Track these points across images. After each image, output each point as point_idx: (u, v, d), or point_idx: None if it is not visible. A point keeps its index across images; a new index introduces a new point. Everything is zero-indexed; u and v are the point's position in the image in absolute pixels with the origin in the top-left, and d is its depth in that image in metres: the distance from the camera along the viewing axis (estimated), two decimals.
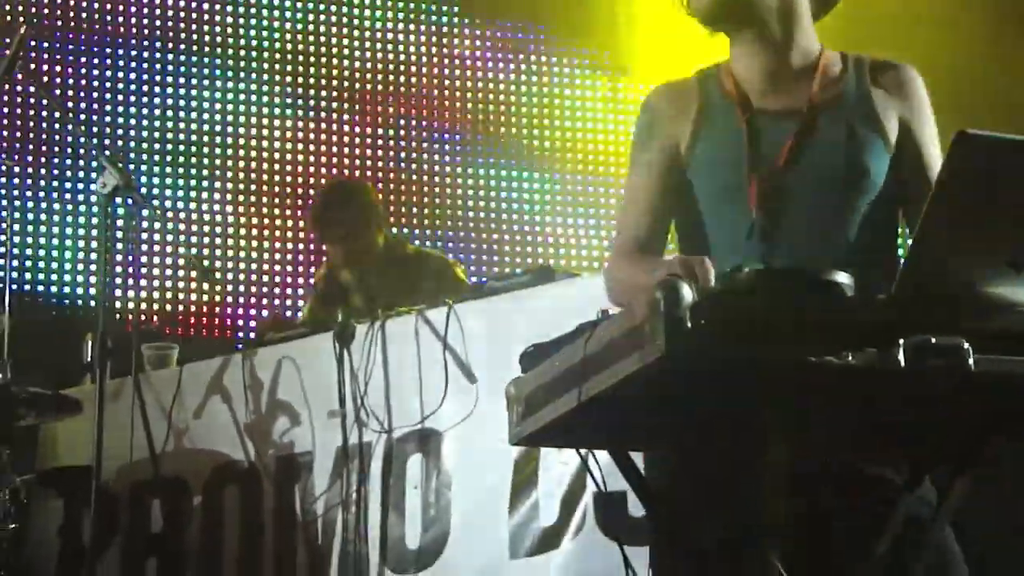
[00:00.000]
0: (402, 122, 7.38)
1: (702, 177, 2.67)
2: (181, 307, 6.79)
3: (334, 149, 7.31)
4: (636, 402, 2.08)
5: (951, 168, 1.87)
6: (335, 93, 7.35)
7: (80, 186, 6.75)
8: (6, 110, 6.76)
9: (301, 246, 7.12)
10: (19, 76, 4.55)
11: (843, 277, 1.95)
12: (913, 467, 2.32)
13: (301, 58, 7.33)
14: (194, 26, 7.17)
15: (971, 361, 1.90)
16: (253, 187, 7.13)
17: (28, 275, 6.76)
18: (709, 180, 2.66)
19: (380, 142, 7.37)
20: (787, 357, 1.89)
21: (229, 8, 7.25)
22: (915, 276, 1.91)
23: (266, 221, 7.12)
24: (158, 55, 7.09)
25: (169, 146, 7.03)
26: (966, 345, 1.90)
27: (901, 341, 1.89)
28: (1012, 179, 1.90)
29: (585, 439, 2.35)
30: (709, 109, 2.70)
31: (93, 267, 6.27)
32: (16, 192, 6.83)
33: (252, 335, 5.66)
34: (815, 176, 2.60)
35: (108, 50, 6.98)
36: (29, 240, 6.80)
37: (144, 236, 6.64)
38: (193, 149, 7.08)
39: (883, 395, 2.02)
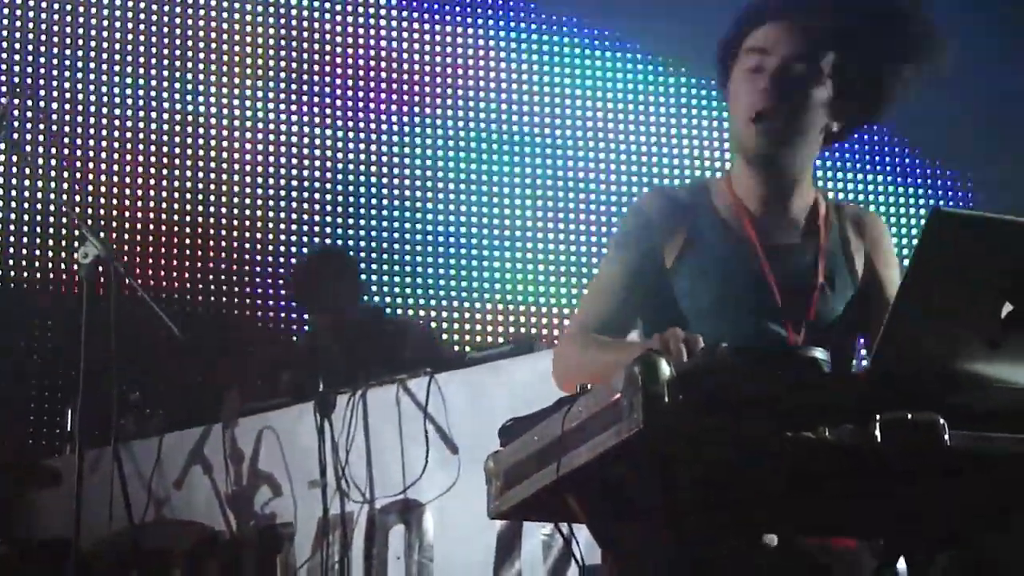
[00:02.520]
0: (383, 189, 7.39)
1: (693, 289, 2.72)
2: (161, 377, 6.76)
3: (316, 218, 7.32)
4: (615, 477, 2.08)
5: (926, 244, 1.88)
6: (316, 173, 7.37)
7: (63, 255, 6.75)
8: None
9: (283, 315, 7.11)
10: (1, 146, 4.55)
11: (820, 353, 1.96)
12: (888, 544, 2.32)
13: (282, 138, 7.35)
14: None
15: (947, 437, 1.91)
16: (235, 267, 7.12)
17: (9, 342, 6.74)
18: (701, 295, 2.71)
19: (363, 210, 7.38)
20: (764, 432, 1.90)
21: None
22: (891, 352, 1.92)
23: (247, 290, 7.11)
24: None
25: (151, 214, 7.04)
26: (942, 421, 1.91)
27: (877, 417, 1.90)
28: (986, 256, 1.92)
29: (564, 513, 2.35)
30: (703, 227, 2.76)
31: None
32: None
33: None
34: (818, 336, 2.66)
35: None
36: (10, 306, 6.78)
37: (126, 307, 6.62)
38: (166, 217, 7.07)
39: (859, 470, 2.02)
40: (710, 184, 2.85)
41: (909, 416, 1.90)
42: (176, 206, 7.07)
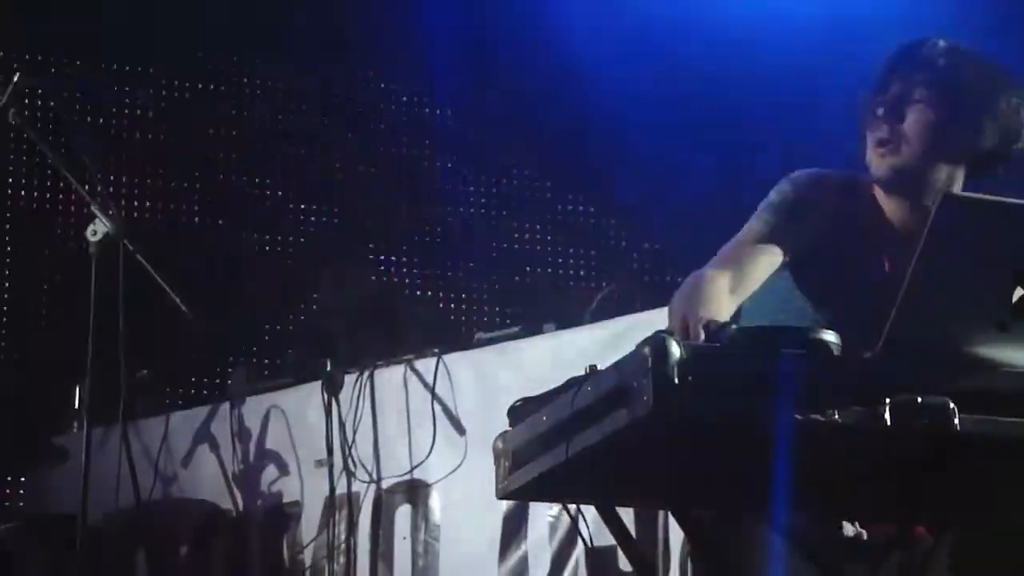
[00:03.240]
0: (392, 167, 7.38)
1: (816, 283, 2.73)
2: (170, 354, 6.77)
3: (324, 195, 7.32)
4: (623, 457, 2.08)
5: (936, 228, 1.88)
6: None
7: (72, 232, 6.75)
8: None
9: (291, 294, 7.10)
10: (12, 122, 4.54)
11: (830, 336, 1.96)
12: (899, 526, 2.32)
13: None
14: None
15: (956, 421, 1.91)
16: (243, 233, 7.12)
17: (17, 319, 6.75)
18: (821, 293, 2.73)
19: (373, 181, 7.37)
20: (773, 415, 1.90)
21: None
22: (901, 335, 1.92)
23: (256, 270, 7.10)
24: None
25: (161, 182, 7.04)
26: (952, 405, 1.91)
27: (887, 400, 1.90)
28: (996, 239, 1.92)
29: (572, 494, 2.35)
30: (847, 227, 2.77)
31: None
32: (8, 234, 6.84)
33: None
34: None
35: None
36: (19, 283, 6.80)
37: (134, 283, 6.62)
38: (184, 193, 7.08)
39: (869, 453, 2.02)
40: (863, 180, 2.84)
41: (919, 399, 1.90)
42: (186, 183, 7.08)
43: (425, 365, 4.64)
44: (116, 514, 5.03)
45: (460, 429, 4.49)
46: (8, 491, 6.26)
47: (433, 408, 4.55)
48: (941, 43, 2.79)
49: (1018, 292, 1.92)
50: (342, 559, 4.63)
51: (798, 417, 1.89)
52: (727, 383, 1.90)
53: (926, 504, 2.28)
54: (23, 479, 5.49)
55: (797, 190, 2.79)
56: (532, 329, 4.61)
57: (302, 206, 7.24)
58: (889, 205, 2.80)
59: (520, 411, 2.32)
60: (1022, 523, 2.23)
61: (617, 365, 2.00)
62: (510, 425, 2.33)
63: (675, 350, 1.91)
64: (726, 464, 2.10)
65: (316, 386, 4.79)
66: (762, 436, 1.97)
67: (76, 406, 5.52)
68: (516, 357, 4.45)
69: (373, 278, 5.75)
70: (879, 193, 2.81)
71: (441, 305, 6.98)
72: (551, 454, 2.16)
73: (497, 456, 2.32)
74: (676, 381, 1.89)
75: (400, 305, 5.74)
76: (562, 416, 2.13)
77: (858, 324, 2.45)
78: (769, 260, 2.70)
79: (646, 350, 1.91)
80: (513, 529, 4.32)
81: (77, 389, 5.52)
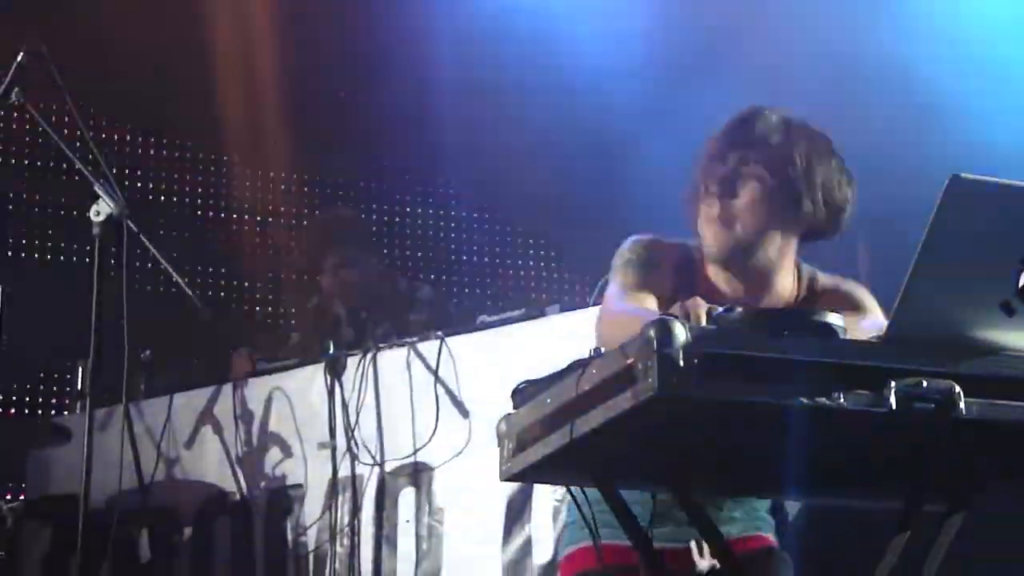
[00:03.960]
0: (395, 150, 7.38)
1: None
2: (173, 335, 6.77)
3: (329, 181, 7.32)
4: (627, 440, 2.08)
5: (943, 211, 1.88)
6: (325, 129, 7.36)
7: (75, 213, 6.75)
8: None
9: (294, 276, 7.11)
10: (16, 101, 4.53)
11: (835, 319, 1.95)
12: (905, 508, 2.32)
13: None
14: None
15: (962, 405, 1.90)
16: (247, 216, 7.12)
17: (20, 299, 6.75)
18: None
19: (372, 172, 7.37)
20: (777, 398, 1.89)
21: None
22: (906, 319, 1.92)
23: (259, 251, 7.11)
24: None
25: (163, 173, 7.03)
26: (957, 389, 1.91)
27: (892, 383, 1.90)
28: (1003, 223, 1.91)
29: (576, 476, 2.35)
30: (686, 289, 2.81)
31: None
32: (10, 215, 6.84)
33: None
34: None
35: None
36: (23, 265, 6.80)
37: (138, 264, 6.63)
38: (188, 177, 7.09)
39: (874, 437, 2.02)
40: (695, 252, 2.93)
41: (924, 383, 1.90)
42: (188, 165, 7.08)
43: (428, 348, 4.63)
44: (119, 495, 5.03)
45: (463, 412, 4.49)
46: (11, 471, 6.28)
47: (436, 391, 4.54)
48: (774, 117, 2.86)
49: None
50: (345, 541, 4.63)
51: (803, 400, 1.89)
52: (732, 366, 1.90)
53: (931, 486, 2.28)
54: (26, 460, 5.49)
55: (647, 248, 2.89)
56: (535, 312, 4.60)
57: (305, 189, 7.25)
58: (721, 275, 2.89)
59: (524, 393, 2.32)
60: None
61: (622, 347, 1.99)
62: (514, 407, 2.33)
63: (680, 333, 1.91)
64: (730, 447, 2.10)
65: (319, 368, 4.79)
66: (767, 419, 1.97)
67: (79, 386, 5.52)
68: (520, 340, 4.44)
69: (376, 260, 5.73)
70: (710, 265, 2.89)
71: (444, 288, 6.98)
72: (555, 436, 2.16)
73: (501, 438, 2.32)
74: (681, 364, 1.89)
75: (402, 288, 5.72)
76: (566, 398, 2.13)
77: None
78: (654, 305, 2.80)
79: (651, 332, 1.91)
80: (516, 512, 4.32)
81: (80, 369, 5.52)
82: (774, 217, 2.83)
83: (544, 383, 2.25)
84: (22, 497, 5.45)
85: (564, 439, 2.12)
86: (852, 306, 2.88)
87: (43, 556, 5.35)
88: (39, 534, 5.38)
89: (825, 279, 2.98)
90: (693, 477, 2.19)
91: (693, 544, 2.71)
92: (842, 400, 1.89)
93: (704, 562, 2.47)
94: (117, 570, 5.15)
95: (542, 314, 4.57)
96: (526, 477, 2.33)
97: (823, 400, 1.89)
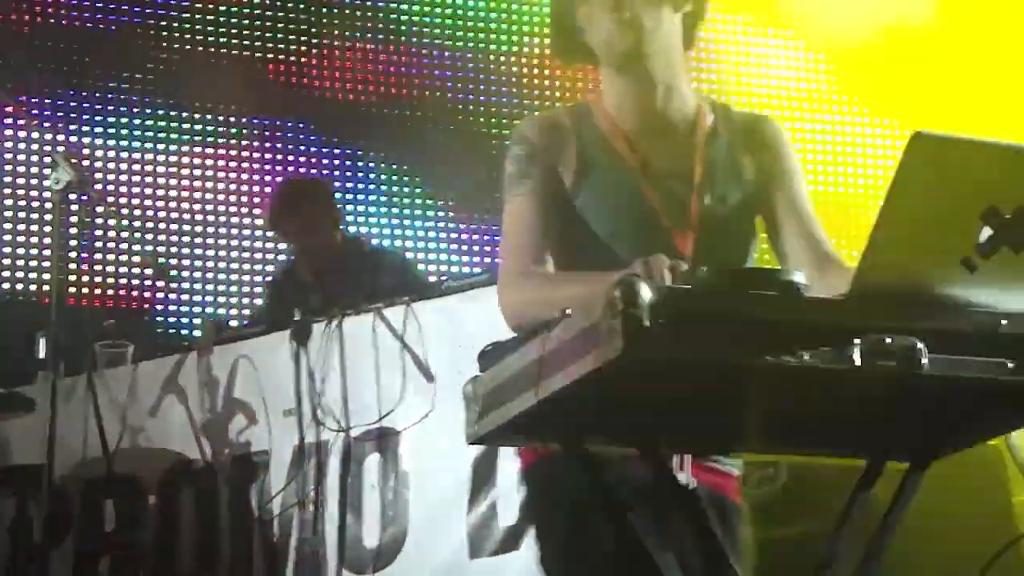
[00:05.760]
0: (358, 116, 7.35)
1: (593, 216, 2.72)
2: (136, 305, 6.74)
3: (290, 147, 7.29)
4: (594, 401, 2.08)
5: (906, 167, 1.88)
6: (293, 93, 7.33)
7: (33, 181, 6.70)
8: None
9: (258, 244, 7.09)
10: None
11: (800, 277, 1.96)
12: (868, 465, 2.33)
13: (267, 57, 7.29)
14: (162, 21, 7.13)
15: (925, 361, 1.91)
16: (209, 184, 7.08)
17: None
18: (601, 223, 2.72)
19: (336, 139, 7.34)
20: (743, 356, 1.90)
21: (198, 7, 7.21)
22: (870, 275, 1.92)
23: (222, 219, 7.07)
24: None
25: (124, 142, 6.98)
26: (920, 345, 1.92)
27: (856, 341, 1.90)
28: (966, 179, 1.91)
29: (543, 438, 2.35)
30: (590, 153, 2.76)
31: (47, 264, 6.23)
32: None
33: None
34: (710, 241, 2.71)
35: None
36: None
37: (99, 233, 6.59)
38: (148, 145, 7.03)
39: (838, 393, 2.03)
40: (592, 105, 2.84)
41: (888, 340, 1.91)
42: (151, 132, 7.03)
43: (394, 313, 4.62)
44: (83, 464, 5.02)
45: (429, 376, 4.49)
46: None
47: (403, 356, 4.54)
48: None
49: (986, 232, 1.92)
50: (311, 508, 4.63)
51: (768, 359, 1.89)
52: (697, 325, 1.90)
53: (895, 442, 2.30)
54: None
55: (523, 142, 2.77)
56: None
57: (267, 156, 7.21)
58: (619, 98, 2.78)
59: (490, 356, 2.32)
60: (988, 460, 2.24)
61: (587, 308, 1.99)
62: (480, 370, 2.32)
63: (645, 292, 1.90)
64: (697, 406, 2.10)
65: (284, 335, 4.78)
66: (733, 377, 1.98)
67: (41, 356, 5.49)
68: (485, 304, 4.43)
69: (339, 226, 5.71)
70: (607, 87, 2.80)
71: (409, 253, 6.97)
72: (521, 398, 2.15)
73: (467, 401, 2.32)
74: (647, 323, 1.89)
75: (367, 253, 5.71)
76: (532, 360, 2.12)
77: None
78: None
79: (616, 292, 1.91)
80: (482, 478, 4.32)
81: (42, 340, 5.48)
82: None
83: (510, 345, 2.25)
84: None
85: (530, 401, 2.12)
86: (774, 149, 2.84)
87: (7, 526, 5.33)
88: (3, 505, 5.36)
89: (739, 111, 2.92)
90: (660, 437, 2.20)
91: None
92: (807, 358, 1.90)
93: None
94: (82, 539, 5.15)
95: None
96: (492, 440, 2.33)
97: (788, 358, 1.89)
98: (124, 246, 6.65)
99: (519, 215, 2.74)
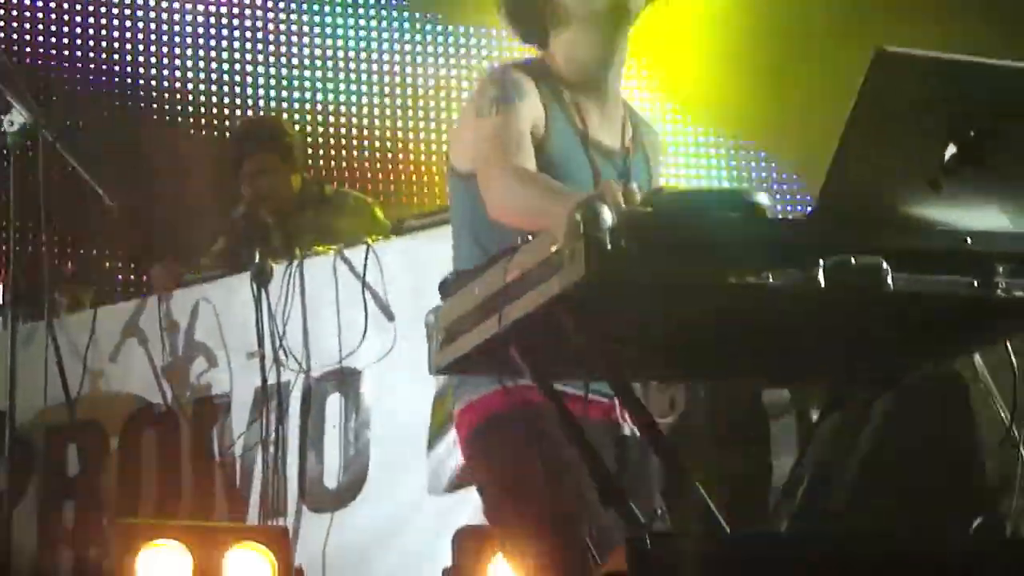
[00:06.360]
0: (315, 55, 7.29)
1: (546, 166, 2.68)
2: (95, 250, 6.68)
3: (248, 89, 7.22)
4: (558, 327, 2.06)
5: (870, 85, 1.86)
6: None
7: None
8: None
9: (219, 184, 7.02)
10: None
11: (764, 198, 1.94)
12: (833, 391, 2.33)
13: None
14: None
15: (889, 280, 1.90)
16: (167, 118, 7.00)
17: None
18: (560, 161, 2.71)
19: (296, 83, 7.28)
20: (707, 277, 1.89)
21: None
22: (834, 196, 1.91)
23: (183, 159, 7.00)
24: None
25: (91, 88, 6.90)
26: (885, 265, 1.91)
27: (821, 261, 1.89)
28: (931, 98, 1.90)
29: (507, 367, 2.33)
30: (551, 108, 2.74)
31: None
32: None
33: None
34: None
35: None
36: None
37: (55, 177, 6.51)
38: (94, 89, 6.95)
39: (803, 315, 2.02)
40: (547, 59, 2.82)
41: (853, 260, 1.89)
42: (114, 70, 6.94)
43: (354, 254, 4.60)
44: (45, 410, 4.99)
45: (389, 315, 4.47)
46: None
47: (364, 296, 4.52)
48: None
49: (951, 150, 1.91)
50: (272, 449, 4.62)
51: (732, 280, 1.88)
52: (660, 247, 1.88)
53: (860, 366, 2.29)
54: None
55: (508, 74, 2.75)
56: None
57: (226, 100, 7.14)
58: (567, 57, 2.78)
59: (452, 285, 2.30)
60: (952, 381, 2.25)
61: (549, 233, 1.98)
62: (442, 299, 2.30)
63: (607, 215, 1.89)
64: (660, 330, 2.09)
65: (245, 277, 4.75)
66: (696, 301, 1.96)
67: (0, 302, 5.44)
68: (445, 243, 4.40)
69: (296, 168, 5.65)
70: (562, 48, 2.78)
71: (369, 193, 6.92)
72: (484, 326, 2.14)
73: (429, 331, 2.30)
74: (609, 247, 1.87)
75: (327, 193, 5.66)
76: (494, 287, 2.11)
77: None
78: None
79: (577, 216, 1.89)
80: (443, 413, 4.31)
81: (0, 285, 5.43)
82: None
83: (472, 274, 2.23)
84: None
85: (493, 328, 2.11)
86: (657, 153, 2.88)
87: None
88: None
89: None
90: (625, 362, 2.18)
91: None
92: (771, 279, 1.88)
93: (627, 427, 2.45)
94: (45, 484, 5.12)
95: None
96: (456, 368, 2.32)
97: (751, 279, 1.88)
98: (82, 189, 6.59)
99: (506, 125, 2.67)
